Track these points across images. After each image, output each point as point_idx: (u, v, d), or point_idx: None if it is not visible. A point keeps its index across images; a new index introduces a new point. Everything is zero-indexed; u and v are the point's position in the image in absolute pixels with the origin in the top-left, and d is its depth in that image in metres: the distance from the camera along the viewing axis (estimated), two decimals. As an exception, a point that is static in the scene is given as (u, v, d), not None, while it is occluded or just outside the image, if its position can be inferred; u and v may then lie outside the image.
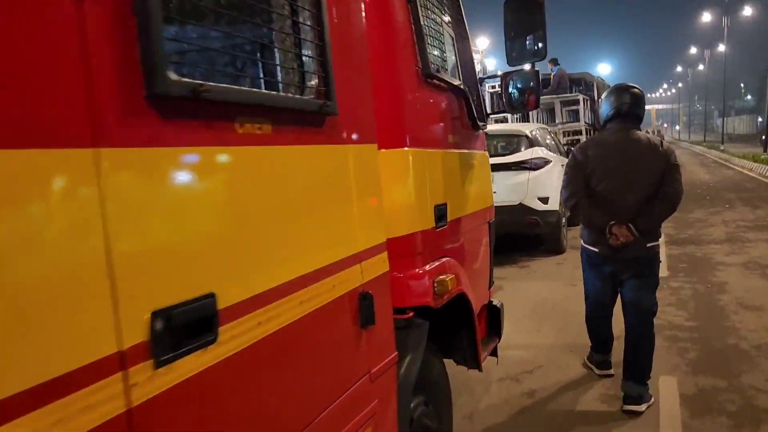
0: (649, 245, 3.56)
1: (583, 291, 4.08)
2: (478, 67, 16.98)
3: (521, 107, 3.31)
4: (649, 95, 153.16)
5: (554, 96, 13.29)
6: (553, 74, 13.63)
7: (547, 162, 8.43)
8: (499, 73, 3.69)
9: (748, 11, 43.39)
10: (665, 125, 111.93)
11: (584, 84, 14.96)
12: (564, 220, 8.77)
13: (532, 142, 8.48)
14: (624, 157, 3.53)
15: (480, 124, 3.19)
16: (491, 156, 7.78)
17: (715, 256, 7.98)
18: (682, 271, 7.23)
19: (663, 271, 7.15)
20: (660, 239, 3.67)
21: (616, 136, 3.61)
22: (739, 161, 25.77)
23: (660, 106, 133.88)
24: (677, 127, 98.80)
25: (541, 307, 6.07)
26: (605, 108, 3.70)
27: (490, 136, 8.62)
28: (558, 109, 13.41)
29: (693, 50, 77.79)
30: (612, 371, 4.12)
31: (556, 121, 13.35)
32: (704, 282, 6.65)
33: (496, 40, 29.45)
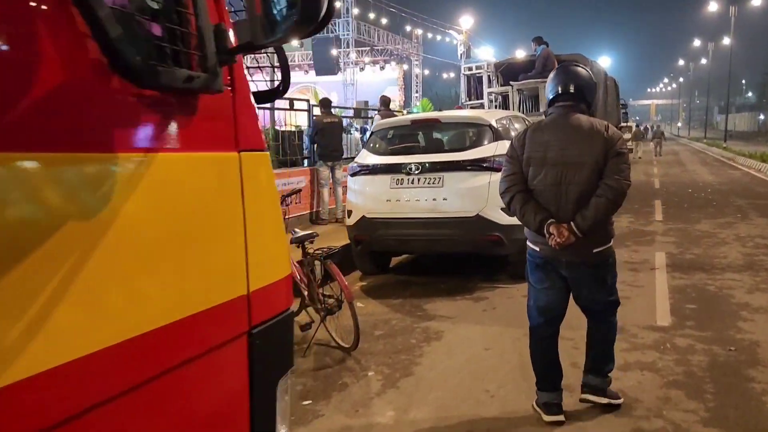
0: (596, 251, 3.21)
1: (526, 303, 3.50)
2: (461, 49, 14.80)
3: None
4: (649, 90, 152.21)
5: (539, 80, 11.23)
6: (536, 54, 11.57)
7: (515, 160, 6.38)
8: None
9: (757, 1, 41.20)
10: (651, 121, 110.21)
11: (575, 68, 12.88)
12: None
13: (497, 135, 6.44)
14: (561, 146, 3.14)
15: (195, 74, 1.20)
16: (440, 151, 5.65)
17: (735, 292, 5.97)
18: (690, 317, 5.23)
19: (664, 319, 5.18)
20: (611, 242, 3.28)
21: (555, 121, 3.20)
22: (745, 161, 23.86)
23: (660, 101, 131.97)
24: (679, 124, 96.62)
25: (497, 364, 4.15)
26: (547, 90, 3.31)
27: (441, 126, 6.62)
28: (542, 96, 11.35)
29: (696, 43, 75.64)
30: (563, 417, 3.34)
31: (541, 110, 11.31)
32: (724, 340, 4.65)
33: (483, 20, 27.51)
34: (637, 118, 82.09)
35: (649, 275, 6.76)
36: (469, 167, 6.21)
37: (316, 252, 4.85)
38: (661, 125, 56.57)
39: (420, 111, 20.63)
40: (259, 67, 1.84)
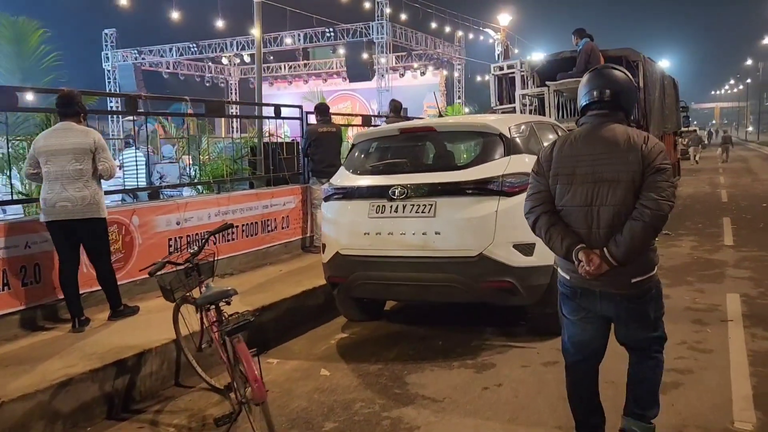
0: (635, 280, 2.76)
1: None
2: (498, 49, 13.17)
3: None
4: (713, 92, 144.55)
5: (580, 79, 9.51)
6: (578, 50, 9.87)
7: (534, 181, 4.82)
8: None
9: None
10: (730, 123, 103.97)
11: (626, 64, 11.03)
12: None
13: (510, 147, 4.90)
14: (593, 161, 2.75)
15: None
16: (433, 168, 3.93)
17: None
18: (785, 415, 3.55)
19: (744, 417, 3.54)
20: (654, 270, 2.82)
21: (586, 132, 2.83)
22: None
23: (724, 104, 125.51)
24: (749, 128, 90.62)
25: None
26: (579, 96, 2.92)
27: (437, 136, 5.12)
28: (585, 98, 9.63)
29: (766, 40, 70.97)
30: None
31: (582, 115, 9.60)
32: None
33: (526, 17, 25.64)
34: (695, 122, 77.47)
35: (719, 332, 5.04)
36: (469, 191, 4.68)
37: (231, 317, 3.44)
38: (728, 129, 52.93)
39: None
40: None
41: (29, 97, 7.89)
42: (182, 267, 4.05)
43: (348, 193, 5.09)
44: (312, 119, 8.12)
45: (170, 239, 5.99)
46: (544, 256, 4.78)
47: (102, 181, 4.84)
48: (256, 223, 7.11)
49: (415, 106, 26.28)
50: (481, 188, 4.66)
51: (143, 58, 30.40)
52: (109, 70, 30.09)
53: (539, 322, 5.11)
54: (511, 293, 4.70)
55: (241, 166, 7.92)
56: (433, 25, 29.11)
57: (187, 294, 4.11)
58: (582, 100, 2.92)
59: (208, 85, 34.49)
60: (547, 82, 9.99)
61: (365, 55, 25.72)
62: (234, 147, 8.00)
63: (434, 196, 4.74)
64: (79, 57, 29.97)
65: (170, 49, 30.01)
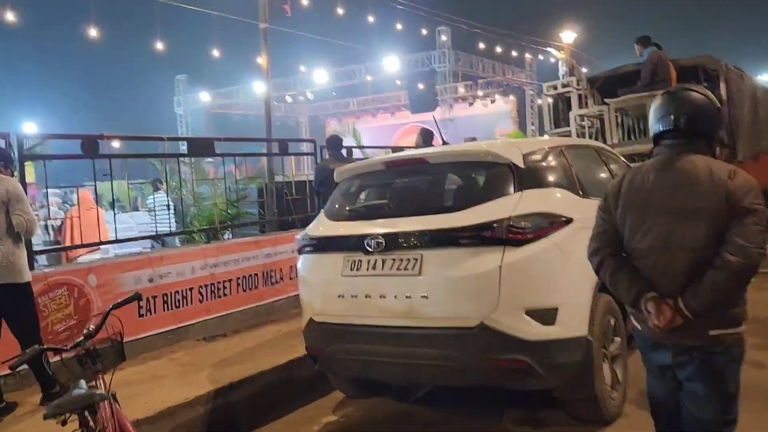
0: (714, 332, 2.37)
1: None
2: (562, 69, 11.88)
3: None
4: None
5: (645, 94, 8.16)
6: (643, 60, 8.50)
7: (556, 224, 3.69)
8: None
9: None
10: None
11: (703, 75, 9.45)
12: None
13: (524, 180, 3.77)
14: (667, 198, 2.45)
15: None
16: (420, 211, 3.92)
17: None
18: None
19: None
20: (741, 326, 2.41)
21: (659, 165, 2.51)
22: None
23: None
24: None
25: None
26: (651, 123, 2.62)
27: (430, 169, 4.06)
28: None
29: None
30: None
31: (650, 135, 8.19)
32: None
33: (587, 33, 23.92)
34: None
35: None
36: (464, 240, 3.56)
37: None
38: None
39: None
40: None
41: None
42: (71, 354, 3.14)
43: (320, 245, 4.09)
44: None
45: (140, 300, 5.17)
46: (571, 324, 3.61)
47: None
48: (256, 275, 6.22)
49: (485, 136, 25.13)
50: (480, 236, 3.53)
51: (213, 101, 30.98)
52: (180, 114, 30.88)
53: (576, 407, 3.87)
54: (526, 375, 3.52)
55: (239, 210, 7.09)
56: (498, 49, 27.92)
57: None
58: (654, 128, 2.59)
59: (278, 124, 34.66)
60: (606, 100, 8.66)
61: (426, 86, 24.86)
62: (234, 188, 7.19)
63: (420, 247, 3.65)
64: (150, 103, 30.98)
65: (237, 90, 30.43)
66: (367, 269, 3.78)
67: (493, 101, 29.67)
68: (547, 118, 10.12)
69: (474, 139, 21.95)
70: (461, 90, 27.64)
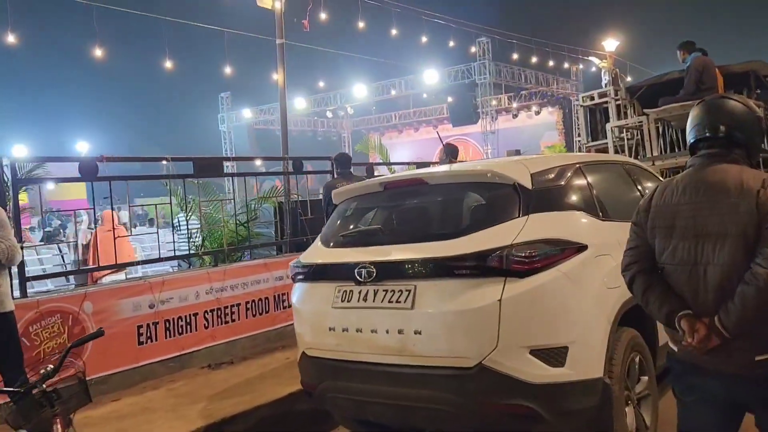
0: (760, 358, 2.21)
1: None
2: (605, 78, 11.36)
3: None
4: None
5: (688, 103, 7.59)
6: (687, 66, 7.95)
7: (566, 251, 3.31)
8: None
9: None
10: None
11: (754, 81, 8.77)
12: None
13: (531, 203, 3.40)
14: (693, 210, 2.34)
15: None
16: (415, 238, 3.63)
17: None
18: None
19: None
20: None
21: (690, 175, 2.41)
22: None
23: None
24: None
25: None
26: (687, 133, 2.56)
27: (428, 190, 3.73)
28: (696, 126, 7.62)
29: None
30: None
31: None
32: None
33: (634, 41, 22.98)
34: None
35: None
36: (460, 270, 3.20)
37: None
38: None
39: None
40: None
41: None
42: (24, 395, 2.91)
43: (311, 274, 3.79)
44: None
45: (140, 326, 4.99)
46: (584, 365, 3.21)
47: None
48: (266, 299, 5.97)
49: (530, 149, 24.49)
50: (478, 266, 3.16)
51: (256, 117, 31.28)
52: (224, 131, 31.29)
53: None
54: (532, 421, 3.14)
55: (249, 231, 6.85)
56: (541, 60, 27.27)
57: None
58: (688, 138, 2.54)
59: (320, 139, 34.84)
60: (645, 110, 8.12)
61: (466, 98, 24.41)
62: (244, 208, 6.96)
63: (413, 278, 3.31)
64: (196, 121, 31.54)
65: (278, 107, 30.58)
66: (358, 301, 3.46)
67: (537, 113, 28.98)
68: (584, 131, 9.61)
69: (518, 152, 21.34)
70: (503, 101, 27.06)
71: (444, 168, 4.28)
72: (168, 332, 5.19)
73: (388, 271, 3.38)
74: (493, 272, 3.15)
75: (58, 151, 30.29)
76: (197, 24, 20.99)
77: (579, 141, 27.90)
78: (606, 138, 8.91)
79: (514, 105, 26.61)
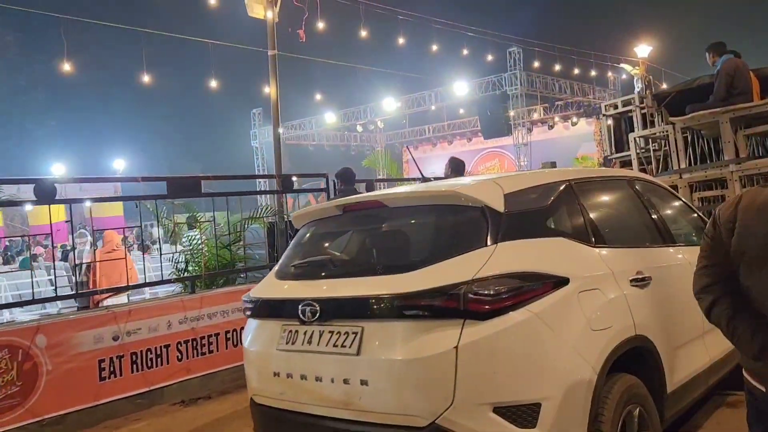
0: None
1: None
2: (638, 86, 10.74)
3: None
4: None
5: (718, 110, 6.92)
6: (717, 70, 7.27)
7: (541, 287, 2.78)
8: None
9: None
10: None
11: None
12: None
13: (499, 229, 2.88)
14: None
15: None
16: (366, 270, 3.19)
17: None
18: None
19: None
20: None
21: None
22: None
23: None
24: None
25: None
26: None
27: (389, 214, 3.26)
28: (729, 135, 6.90)
29: None
30: None
31: (725, 157, 6.91)
32: None
33: (665, 44, 21.90)
34: None
35: None
36: (411, 311, 2.71)
37: None
38: None
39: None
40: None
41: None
42: None
43: (259, 310, 3.34)
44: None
45: (102, 361, 4.63)
46: (562, 424, 2.67)
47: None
48: (249, 327, 5.55)
49: (566, 161, 23.69)
50: (432, 306, 2.67)
51: (289, 133, 31.24)
52: (256, 147, 31.33)
53: None
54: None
55: (232, 254, 6.46)
56: (576, 70, 26.47)
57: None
58: None
59: (353, 154, 34.55)
60: (671, 119, 7.45)
61: (497, 109, 23.74)
62: (233, 230, 6.54)
63: (361, 318, 2.84)
64: (230, 138, 31.73)
65: (310, 122, 30.52)
66: (303, 343, 3.00)
67: (574, 123, 28.09)
68: (607, 142, 8.97)
69: (553, 164, 20.53)
70: (535, 113, 26.29)
71: (406, 188, 3.78)
72: (135, 366, 4.82)
73: (334, 310, 2.91)
74: (450, 313, 2.65)
75: (94, 170, 30.84)
76: (231, 44, 21.11)
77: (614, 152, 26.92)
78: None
79: (548, 116, 25.79)
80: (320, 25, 16.70)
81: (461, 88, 24.36)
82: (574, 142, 29.13)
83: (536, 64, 25.50)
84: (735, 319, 2.13)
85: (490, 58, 24.73)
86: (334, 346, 2.87)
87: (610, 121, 8.98)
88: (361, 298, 2.84)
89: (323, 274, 3.17)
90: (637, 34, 19.26)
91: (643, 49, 18.01)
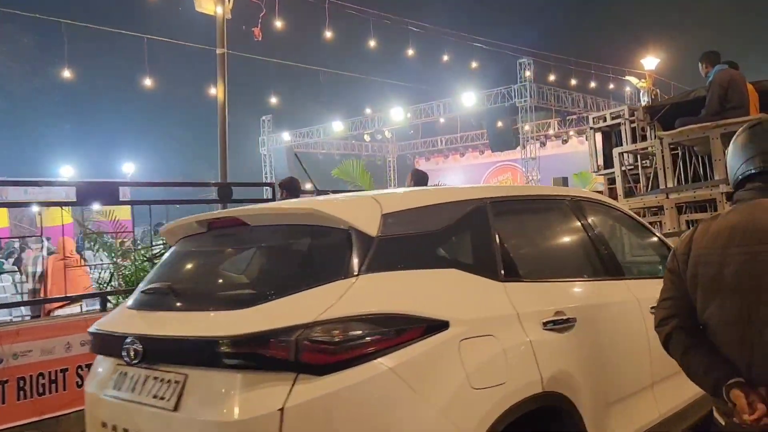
0: None
1: None
2: (644, 99, 10.13)
3: None
4: None
5: (709, 124, 6.27)
6: (709, 81, 6.62)
7: (404, 333, 2.21)
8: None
9: None
10: None
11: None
12: None
13: (366, 258, 2.32)
14: (749, 258, 1.97)
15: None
16: (202, 305, 2.59)
17: None
18: None
19: None
20: None
21: (741, 215, 2.04)
22: None
23: None
24: None
25: None
26: (732, 165, 2.21)
27: (249, 234, 2.69)
28: (720, 152, 6.24)
29: None
30: None
31: (716, 177, 6.25)
32: None
33: (670, 56, 20.99)
34: None
35: None
36: (235, 359, 2.16)
37: None
38: None
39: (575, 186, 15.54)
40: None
41: None
42: None
43: (96, 343, 2.82)
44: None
45: (-21, 387, 4.13)
46: None
47: None
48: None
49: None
50: (259, 354, 2.11)
51: (298, 140, 30.91)
52: (264, 155, 31.03)
53: None
54: None
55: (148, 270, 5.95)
56: (579, 81, 25.73)
57: None
58: (737, 170, 2.16)
59: (364, 164, 34.15)
60: (659, 133, 6.81)
61: (505, 122, 23.12)
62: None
63: (186, 364, 2.29)
64: (240, 144, 31.50)
65: (318, 130, 30.15)
66: (128, 389, 2.46)
67: (588, 138, 27.30)
68: (594, 157, 8.34)
69: (565, 180, 19.89)
70: (549, 128, 25.58)
71: (267, 206, 3.22)
72: (22, 393, 4.31)
73: (159, 351, 2.38)
74: (280, 365, 2.09)
75: (102, 172, 30.85)
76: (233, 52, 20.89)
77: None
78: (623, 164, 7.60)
79: (561, 130, 25.07)
80: (348, 38, 16.54)
81: (469, 99, 23.76)
82: (585, 157, 28.37)
83: (548, 76, 24.81)
84: (689, 353, 2.09)
85: (499, 69, 24.15)
86: (154, 397, 2.32)
87: (599, 135, 8.35)
88: (185, 339, 2.30)
89: (160, 305, 2.62)
90: (652, 46, 18.50)
91: (650, 61, 17.26)
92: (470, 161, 33.78)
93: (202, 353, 2.22)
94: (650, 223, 6.97)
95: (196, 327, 2.30)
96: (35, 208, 5.93)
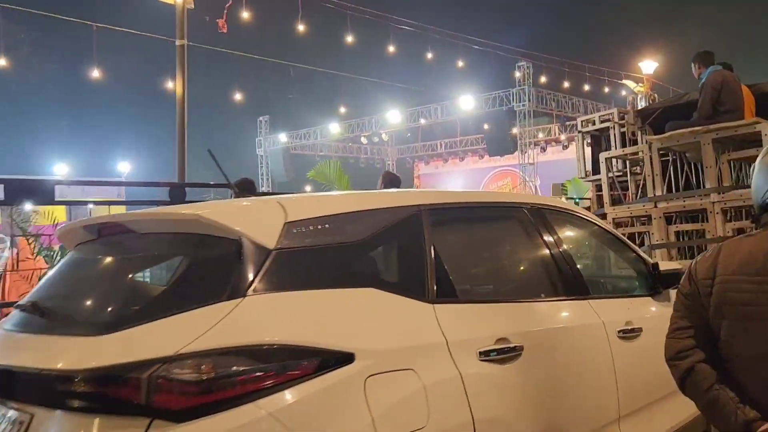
0: None
1: None
2: (641, 104, 9.71)
3: None
4: None
5: (700, 128, 5.87)
6: (701, 83, 6.23)
7: (296, 368, 1.80)
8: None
9: None
10: None
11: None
12: None
13: (259, 274, 1.93)
14: None
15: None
16: (67, 329, 2.16)
17: None
18: None
19: None
20: None
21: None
22: None
23: None
24: None
25: None
26: (760, 182, 1.96)
27: (134, 242, 2.26)
28: (712, 159, 5.81)
29: None
30: None
31: (707, 185, 5.83)
32: None
33: (670, 60, 20.48)
34: None
35: None
36: (80, 400, 1.77)
37: None
38: None
39: (566, 195, 15.12)
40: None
41: None
42: None
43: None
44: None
45: None
46: None
47: None
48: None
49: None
50: (107, 394, 1.73)
51: (295, 142, 30.52)
52: (261, 156, 30.64)
53: None
54: None
55: None
56: (579, 85, 25.30)
57: None
58: (766, 191, 1.90)
59: (362, 166, 33.73)
60: (648, 138, 6.41)
61: (502, 126, 22.70)
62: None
63: (33, 402, 1.90)
64: (233, 145, 31.20)
65: (314, 132, 29.75)
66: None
67: (588, 144, 26.87)
68: (581, 162, 7.94)
69: (563, 186, 19.32)
70: (541, 133, 25.16)
71: (154, 210, 2.81)
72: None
73: (9, 385, 1.99)
74: (133, 408, 1.70)
75: (98, 171, 30.60)
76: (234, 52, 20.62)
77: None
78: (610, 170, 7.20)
79: (559, 135, 24.62)
80: (345, 39, 16.27)
81: (467, 102, 23.37)
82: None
83: (546, 80, 24.40)
84: (712, 393, 1.88)
85: (497, 72, 23.77)
86: (1, 438, 1.94)
87: (588, 139, 7.95)
88: (30, 372, 1.91)
89: (25, 326, 2.22)
90: (651, 50, 18.09)
91: (648, 65, 16.83)
92: (469, 165, 33.35)
93: (44, 389, 1.83)
94: (638, 234, 6.62)
95: (44, 356, 1.91)
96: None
